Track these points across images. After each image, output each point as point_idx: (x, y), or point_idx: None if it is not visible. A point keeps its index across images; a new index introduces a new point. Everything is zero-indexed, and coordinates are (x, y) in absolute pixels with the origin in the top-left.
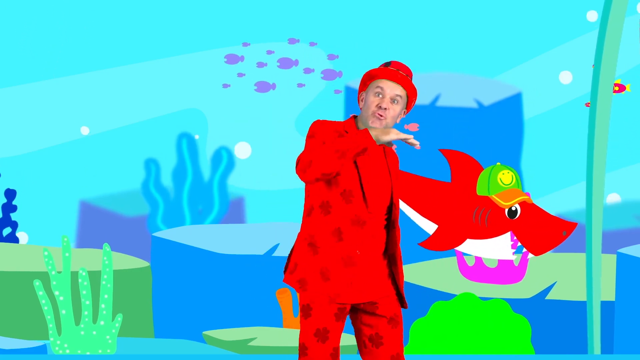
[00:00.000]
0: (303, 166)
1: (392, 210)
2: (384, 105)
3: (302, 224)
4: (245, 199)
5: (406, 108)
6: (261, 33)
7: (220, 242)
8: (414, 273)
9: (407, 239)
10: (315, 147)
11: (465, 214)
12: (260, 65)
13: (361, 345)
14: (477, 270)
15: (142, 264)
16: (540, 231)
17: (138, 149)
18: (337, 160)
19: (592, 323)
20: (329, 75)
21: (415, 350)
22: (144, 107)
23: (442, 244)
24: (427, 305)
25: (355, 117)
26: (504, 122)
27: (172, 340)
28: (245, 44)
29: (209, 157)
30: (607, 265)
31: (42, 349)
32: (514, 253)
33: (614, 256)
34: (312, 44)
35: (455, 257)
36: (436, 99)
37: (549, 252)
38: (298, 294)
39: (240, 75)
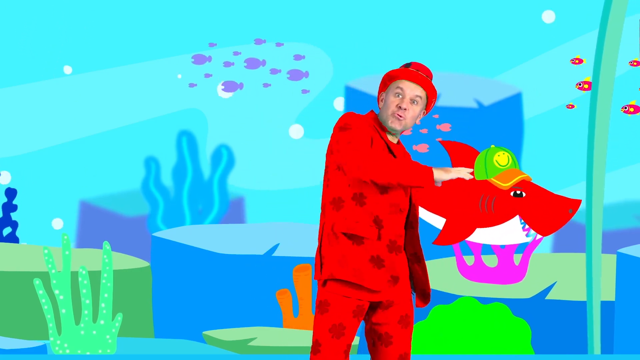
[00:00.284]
0: (363, 165)
1: (410, 208)
2: (403, 106)
3: (328, 218)
4: (245, 199)
5: (425, 109)
6: (228, 34)
7: (220, 242)
8: None
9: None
10: (364, 141)
11: (471, 203)
12: (227, 64)
13: (370, 343)
14: (477, 270)
15: (142, 264)
16: (547, 211)
17: (138, 149)
18: (393, 181)
19: (592, 323)
20: (295, 75)
21: (415, 354)
22: (144, 107)
23: (453, 237)
24: (427, 307)
25: (374, 113)
26: (504, 122)
27: (172, 340)
28: (211, 44)
29: (208, 155)
30: (607, 265)
31: (42, 349)
32: (527, 235)
33: (614, 256)
34: (278, 44)
35: (454, 257)
36: (436, 99)
37: (548, 252)
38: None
39: (207, 75)
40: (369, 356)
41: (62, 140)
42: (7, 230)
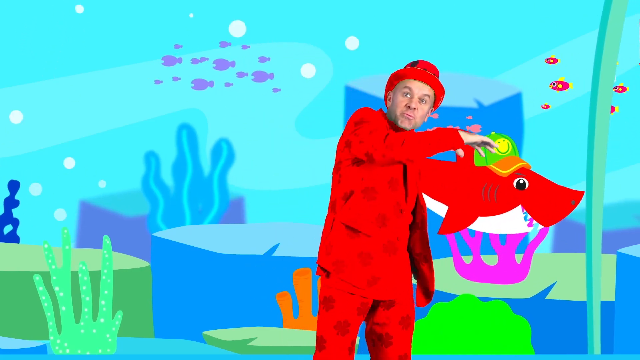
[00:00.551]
0: (392, 144)
1: (417, 209)
2: (412, 106)
3: (336, 208)
4: (245, 198)
5: (433, 106)
6: (194, 36)
7: (220, 242)
8: None
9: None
10: (385, 129)
11: (473, 192)
12: (195, 61)
13: (370, 343)
14: (475, 269)
15: (142, 264)
16: (549, 202)
17: (138, 149)
18: (425, 151)
19: (592, 323)
20: (259, 77)
21: (415, 352)
22: (144, 107)
23: (455, 225)
24: (427, 306)
25: (383, 112)
26: (504, 122)
27: (172, 340)
28: (177, 46)
29: (208, 152)
30: (607, 265)
31: (42, 349)
32: (529, 225)
33: (614, 256)
34: (244, 46)
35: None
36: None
37: (548, 253)
38: (320, 283)
39: (175, 79)
40: (368, 356)
41: (62, 140)
42: (8, 228)
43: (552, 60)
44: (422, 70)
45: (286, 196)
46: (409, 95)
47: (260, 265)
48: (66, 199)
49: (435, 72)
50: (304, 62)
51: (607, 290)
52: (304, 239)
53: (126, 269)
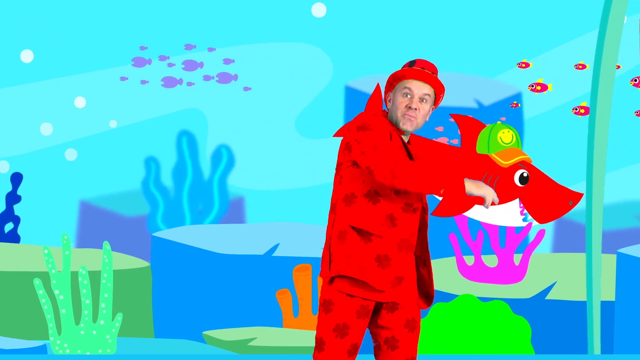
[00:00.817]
0: (399, 175)
1: (422, 209)
2: (413, 106)
3: (339, 214)
4: (245, 199)
5: (434, 105)
6: (157, 39)
7: (220, 242)
8: None
9: None
10: (391, 147)
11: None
12: (162, 58)
13: (375, 346)
14: (477, 270)
15: (142, 264)
16: (547, 199)
17: (138, 149)
18: (427, 191)
19: (592, 323)
20: (224, 78)
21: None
22: (144, 107)
23: (451, 209)
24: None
25: (386, 112)
26: (504, 122)
27: (172, 340)
28: (142, 47)
29: (208, 155)
30: (607, 265)
31: (42, 349)
32: (522, 220)
33: (614, 256)
34: (210, 49)
35: (454, 257)
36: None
37: (548, 252)
38: (321, 286)
39: (143, 82)
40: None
41: (62, 140)
42: (9, 227)
43: (523, 65)
44: (421, 70)
45: (286, 196)
46: (409, 96)
47: (260, 265)
48: (66, 199)
49: (434, 71)
50: (304, 62)
51: (607, 290)
52: (304, 239)
53: (126, 269)
